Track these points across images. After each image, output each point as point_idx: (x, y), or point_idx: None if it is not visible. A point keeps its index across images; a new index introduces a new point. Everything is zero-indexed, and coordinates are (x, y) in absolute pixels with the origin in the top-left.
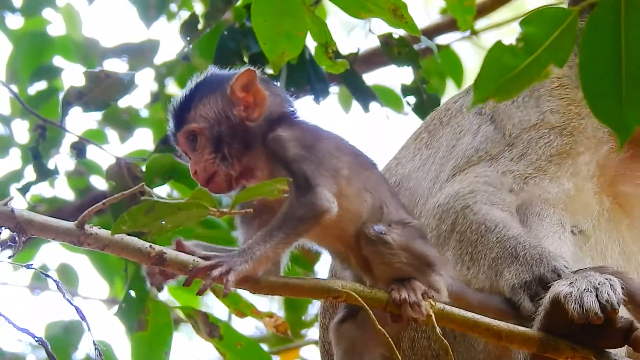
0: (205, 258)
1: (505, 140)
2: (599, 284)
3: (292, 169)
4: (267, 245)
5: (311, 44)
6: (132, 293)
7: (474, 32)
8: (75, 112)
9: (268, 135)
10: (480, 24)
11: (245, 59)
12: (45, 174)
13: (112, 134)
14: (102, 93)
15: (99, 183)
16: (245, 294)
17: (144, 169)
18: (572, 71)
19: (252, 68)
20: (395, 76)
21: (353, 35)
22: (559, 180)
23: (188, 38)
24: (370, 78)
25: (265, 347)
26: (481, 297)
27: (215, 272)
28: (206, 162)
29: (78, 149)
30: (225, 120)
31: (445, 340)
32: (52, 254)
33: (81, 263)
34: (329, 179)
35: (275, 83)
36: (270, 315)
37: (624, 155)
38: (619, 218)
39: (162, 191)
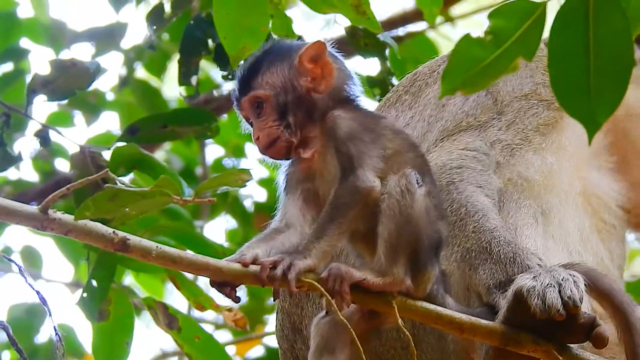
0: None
1: (496, 108)
2: (562, 280)
3: (340, 148)
4: (322, 240)
5: None
6: (94, 282)
7: (450, 20)
8: (41, 99)
9: (329, 112)
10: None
11: (211, 49)
12: (9, 161)
13: (78, 116)
14: (67, 81)
15: (64, 166)
16: (203, 286)
17: (108, 157)
18: None
19: (322, 40)
20: (363, 66)
21: (319, 24)
22: (543, 153)
23: (154, 27)
24: None
25: (229, 334)
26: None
27: (278, 271)
28: (270, 128)
29: (42, 137)
30: (292, 90)
31: (407, 332)
32: (16, 235)
33: (46, 245)
34: (374, 158)
35: (341, 58)
36: (230, 309)
37: (603, 137)
38: (584, 204)
39: (127, 179)
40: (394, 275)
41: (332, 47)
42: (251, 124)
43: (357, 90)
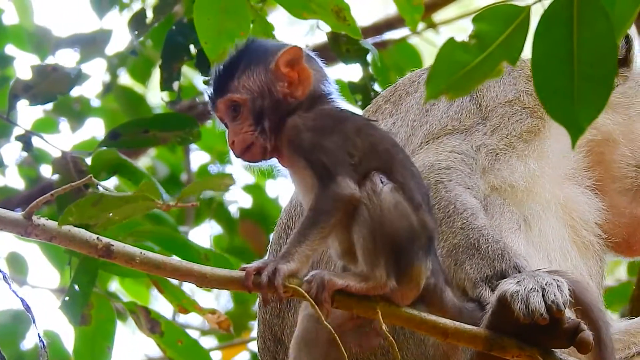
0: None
1: (480, 113)
2: (546, 284)
3: (310, 159)
4: (304, 245)
5: None
6: (76, 287)
7: (433, 26)
8: (23, 104)
9: (288, 119)
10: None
11: (193, 55)
12: None
13: (63, 122)
14: (49, 86)
15: (49, 172)
16: (187, 290)
17: (89, 162)
18: None
19: (299, 45)
20: (346, 71)
21: (302, 30)
22: (526, 160)
23: (136, 32)
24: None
25: (215, 340)
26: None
27: (264, 277)
28: (245, 133)
29: (24, 142)
30: (268, 95)
31: (390, 337)
32: (2, 242)
33: (32, 251)
34: (347, 165)
35: (318, 59)
36: (213, 312)
37: (582, 157)
38: (564, 217)
39: (110, 184)
40: (376, 278)
41: (309, 50)
42: (226, 125)
43: (332, 88)
